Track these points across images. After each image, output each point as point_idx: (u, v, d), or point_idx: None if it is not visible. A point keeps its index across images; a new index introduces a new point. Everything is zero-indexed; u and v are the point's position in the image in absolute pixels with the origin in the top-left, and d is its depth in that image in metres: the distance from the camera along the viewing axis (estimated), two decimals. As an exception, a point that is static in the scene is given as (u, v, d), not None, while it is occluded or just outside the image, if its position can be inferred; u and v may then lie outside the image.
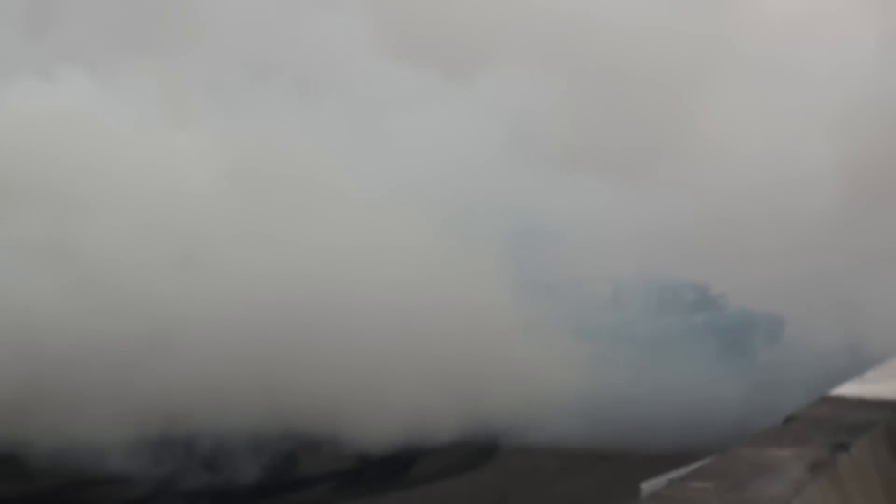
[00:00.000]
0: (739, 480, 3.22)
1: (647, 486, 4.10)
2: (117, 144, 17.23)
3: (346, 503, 11.15)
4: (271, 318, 15.49)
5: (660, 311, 20.61)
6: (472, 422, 15.44)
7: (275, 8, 22.19)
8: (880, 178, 22.84)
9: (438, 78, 19.95)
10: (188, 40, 21.83)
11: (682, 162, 24.09)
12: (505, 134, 18.89)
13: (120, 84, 18.70)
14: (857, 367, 7.63)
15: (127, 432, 14.46)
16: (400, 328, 15.92)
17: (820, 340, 20.14)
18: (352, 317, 15.71)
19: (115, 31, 23.00)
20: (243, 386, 15.00)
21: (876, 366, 7.10)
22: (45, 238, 15.63)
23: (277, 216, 16.35)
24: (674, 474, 3.91)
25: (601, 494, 8.89)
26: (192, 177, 16.81)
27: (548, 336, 17.51)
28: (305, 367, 15.62)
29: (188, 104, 18.21)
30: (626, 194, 20.69)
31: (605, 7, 26.00)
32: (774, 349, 20.81)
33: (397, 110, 18.35)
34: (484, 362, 16.60)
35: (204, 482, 12.34)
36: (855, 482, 3.78)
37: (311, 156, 17.15)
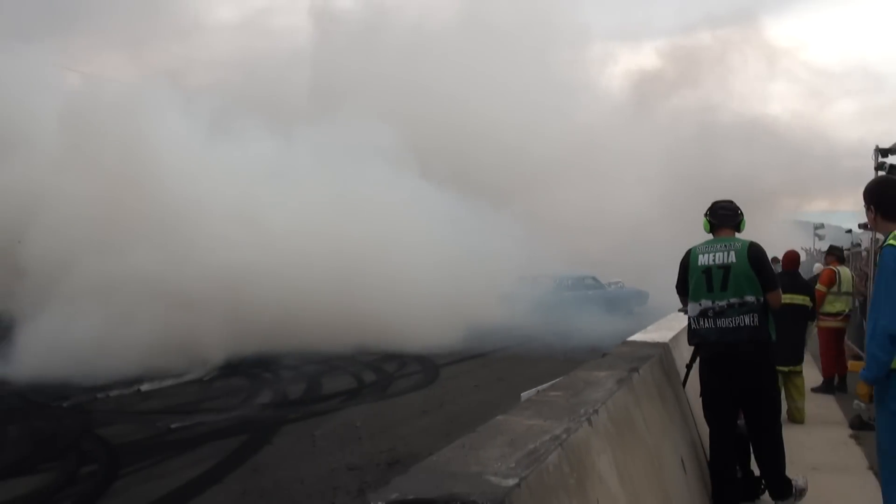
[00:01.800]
0: (577, 390, 3.31)
1: (525, 395, 4.15)
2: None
3: (350, 409, 11.09)
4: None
5: (572, 288, 24.28)
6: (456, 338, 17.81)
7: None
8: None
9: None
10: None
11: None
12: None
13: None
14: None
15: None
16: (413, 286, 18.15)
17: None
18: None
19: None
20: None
21: (653, 323, 7.28)
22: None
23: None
24: (540, 387, 3.98)
25: (500, 400, 8.89)
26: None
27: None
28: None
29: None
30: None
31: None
32: (641, 309, 23.68)
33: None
34: (463, 308, 19.04)
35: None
36: (642, 389, 3.94)
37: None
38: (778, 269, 9.07)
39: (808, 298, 8.47)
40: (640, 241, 25.02)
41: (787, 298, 8.64)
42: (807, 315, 8.52)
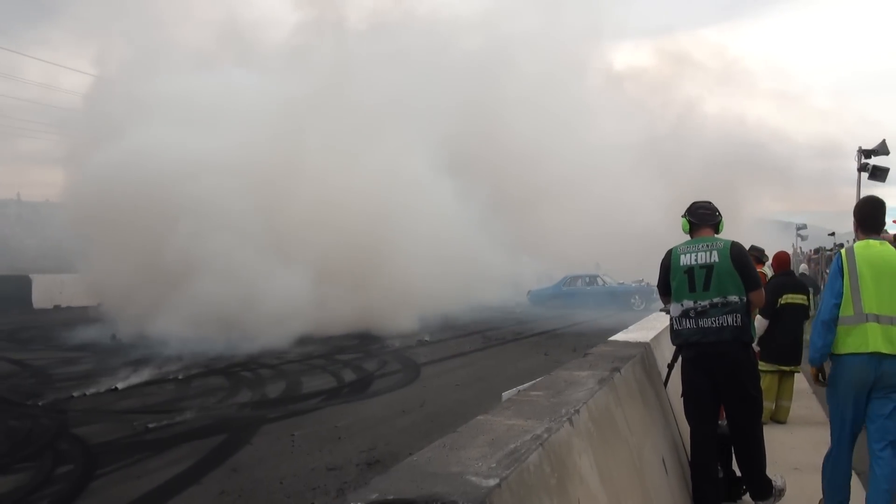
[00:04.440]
0: (558, 390, 3.33)
1: (506, 394, 4.17)
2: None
3: (330, 408, 11.16)
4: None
5: (584, 284, 29.55)
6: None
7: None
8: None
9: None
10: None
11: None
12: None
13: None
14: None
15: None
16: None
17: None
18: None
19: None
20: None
21: (634, 324, 7.38)
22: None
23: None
24: (521, 387, 4.00)
25: (481, 399, 8.92)
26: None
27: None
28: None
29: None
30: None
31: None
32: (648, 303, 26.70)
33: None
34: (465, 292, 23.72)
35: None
36: (623, 388, 3.97)
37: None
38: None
39: (805, 297, 8.62)
40: (655, 245, 26.07)
41: (788, 298, 8.52)
42: (805, 314, 8.67)
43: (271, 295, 18.98)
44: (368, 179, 21.85)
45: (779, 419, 8.40)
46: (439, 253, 22.09)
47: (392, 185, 22.34)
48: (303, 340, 18.94)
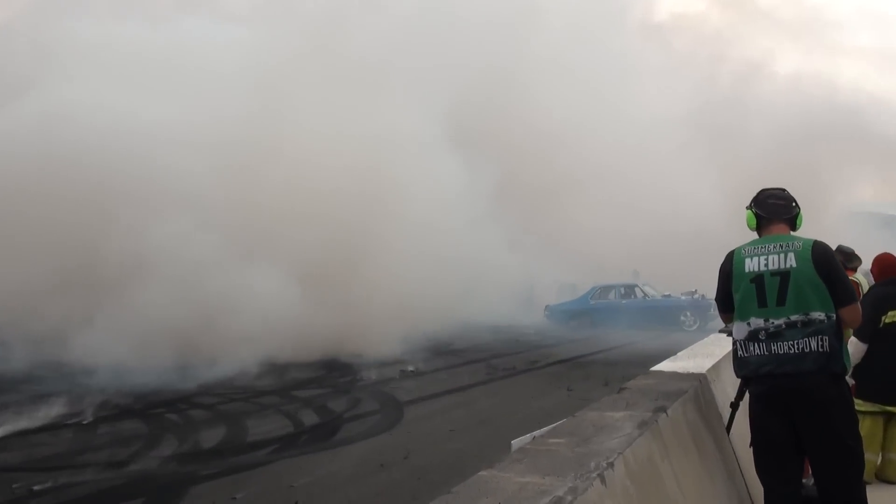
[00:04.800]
0: (585, 437, 3.32)
1: (517, 442, 4.14)
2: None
3: (284, 462, 11.04)
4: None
5: (619, 297, 30.36)
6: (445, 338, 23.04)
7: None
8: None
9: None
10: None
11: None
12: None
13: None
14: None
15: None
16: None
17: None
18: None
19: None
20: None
21: (684, 349, 7.38)
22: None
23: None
24: (537, 433, 3.97)
25: (482, 451, 8.92)
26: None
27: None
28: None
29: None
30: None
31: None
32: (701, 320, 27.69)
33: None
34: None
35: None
36: (671, 435, 3.94)
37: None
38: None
39: None
40: (711, 245, 26.32)
41: (894, 316, 8.17)
42: None
43: (229, 310, 18.76)
44: (354, 165, 22.05)
45: (888, 478, 8.18)
46: (435, 252, 22.19)
47: (384, 170, 22.59)
48: (259, 368, 18.76)
